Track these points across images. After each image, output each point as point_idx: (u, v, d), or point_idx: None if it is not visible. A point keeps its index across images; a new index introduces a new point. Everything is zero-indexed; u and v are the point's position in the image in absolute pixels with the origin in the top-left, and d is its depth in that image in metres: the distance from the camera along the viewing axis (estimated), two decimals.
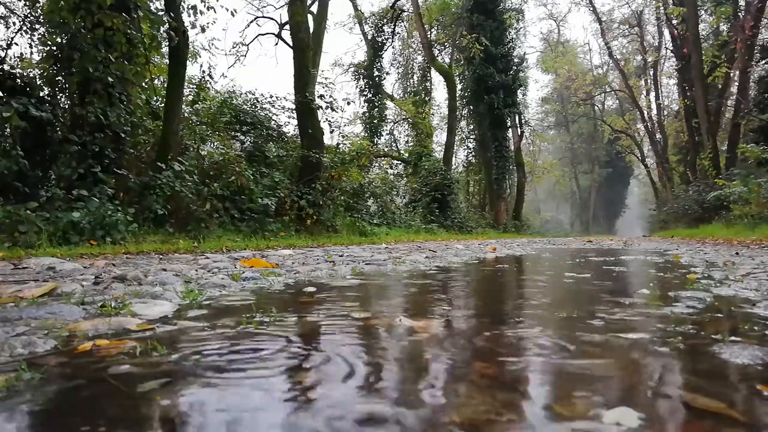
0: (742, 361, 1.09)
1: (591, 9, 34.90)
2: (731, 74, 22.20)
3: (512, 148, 28.87)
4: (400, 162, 25.94)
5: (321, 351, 1.21)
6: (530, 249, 8.14)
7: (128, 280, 2.52)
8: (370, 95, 27.23)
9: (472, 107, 27.78)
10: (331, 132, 18.26)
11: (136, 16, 8.12)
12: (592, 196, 53.65)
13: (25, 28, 8.57)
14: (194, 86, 13.23)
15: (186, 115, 11.31)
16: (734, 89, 23.13)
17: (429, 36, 25.99)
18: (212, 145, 11.34)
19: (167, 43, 9.18)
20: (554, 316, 1.71)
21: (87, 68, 7.25)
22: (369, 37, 28.13)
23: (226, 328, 1.45)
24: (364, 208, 16.22)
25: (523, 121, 30.14)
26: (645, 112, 35.04)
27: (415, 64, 30.61)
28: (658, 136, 33.79)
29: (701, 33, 22.97)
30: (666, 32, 31.24)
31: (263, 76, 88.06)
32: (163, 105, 9.84)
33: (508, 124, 28.14)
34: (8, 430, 0.74)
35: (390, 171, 24.65)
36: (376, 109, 27.26)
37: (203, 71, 14.81)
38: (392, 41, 28.96)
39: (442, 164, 22.63)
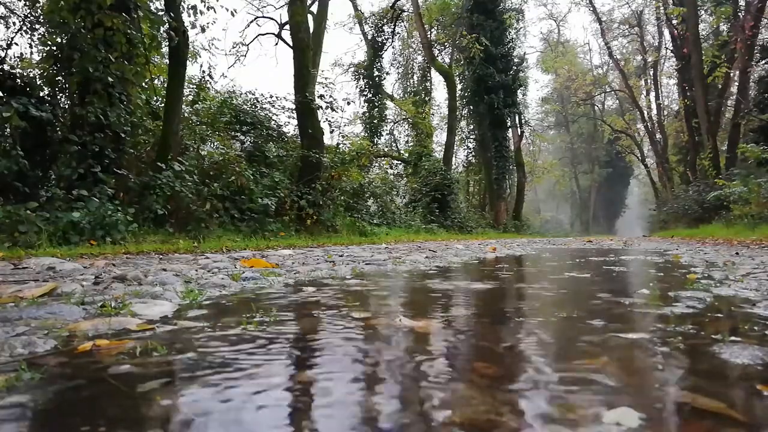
0: (742, 361, 1.09)
1: (591, 9, 34.93)
2: (731, 74, 22.19)
3: (512, 148, 28.88)
4: (400, 162, 25.94)
5: (321, 351, 1.21)
6: (530, 249, 8.14)
7: (128, 280, 2.52)
8: (370, 95, 27.23)
9: (472, 107, 27.79)
10: (331, 132, 18.30)
11: (136, 16, 8.12)
12: (592, 196, 53.65)
13: (25, 28, 8.57)
14: (194, 86, 13.22)
15: (186, 115, 11.31)
16: (734, 89, 23.12)
17: (429, 36, 25.99)
18: (212, 145, 11.33)
19: (167, 43, 9.18)
20: (554, 316, 1.71)
21: (87, 68, 7.25)
22: (369, 37, 28.14)
23: (226, 328, 1.45)
24: (364, 208, 16.22)
25: (523, 121, 30.16)
26: (645, 112, 35.04)
27: (415, 64, 30.65)
28: (658, 136, 33.79)
29: (701, 33, 22.96)
30: (666, 32, 31.28)
31: (263, 76, 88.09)
32: (163, 105, 9.84)
33: (508, 124, 28.15)
34: (8, 430, 0.74)
35: (390, 171, 24.67)
36: (376, 109, 27.26)
37: (203, 71, 14.82)
38: (392, 41, 29.01)
39: (442, 164, 22.63)
